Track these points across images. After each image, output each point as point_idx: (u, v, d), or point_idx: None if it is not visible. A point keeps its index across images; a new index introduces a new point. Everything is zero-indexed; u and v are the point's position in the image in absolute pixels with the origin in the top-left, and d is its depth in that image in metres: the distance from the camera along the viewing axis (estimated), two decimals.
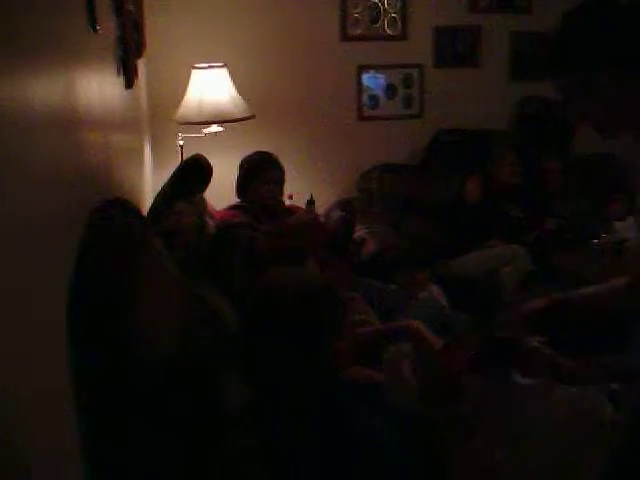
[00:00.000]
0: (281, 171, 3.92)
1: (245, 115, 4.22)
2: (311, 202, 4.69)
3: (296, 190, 4.35)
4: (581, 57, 1.64)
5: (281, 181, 3.93)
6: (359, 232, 4.41)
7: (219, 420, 1.69)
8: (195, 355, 1.68)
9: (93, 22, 1.91)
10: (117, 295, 1.51)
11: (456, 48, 5.24)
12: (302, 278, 2.13)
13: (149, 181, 3.97)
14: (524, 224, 4.74)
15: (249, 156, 3.95)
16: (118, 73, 2.59)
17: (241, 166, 3.93)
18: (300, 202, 4.42)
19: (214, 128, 4.21)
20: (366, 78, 5.13)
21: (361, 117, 5.18)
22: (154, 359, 1.54)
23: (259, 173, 3.84)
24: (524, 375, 1.96)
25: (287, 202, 4.17)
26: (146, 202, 3.34)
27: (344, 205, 4.53)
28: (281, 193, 3.99)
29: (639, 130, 1.70)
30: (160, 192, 2.98)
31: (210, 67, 4.20)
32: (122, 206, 1.90)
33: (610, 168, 5.29)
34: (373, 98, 5.17)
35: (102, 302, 1.46)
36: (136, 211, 2.06)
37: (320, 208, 4.75)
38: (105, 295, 1.48)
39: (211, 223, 3.40)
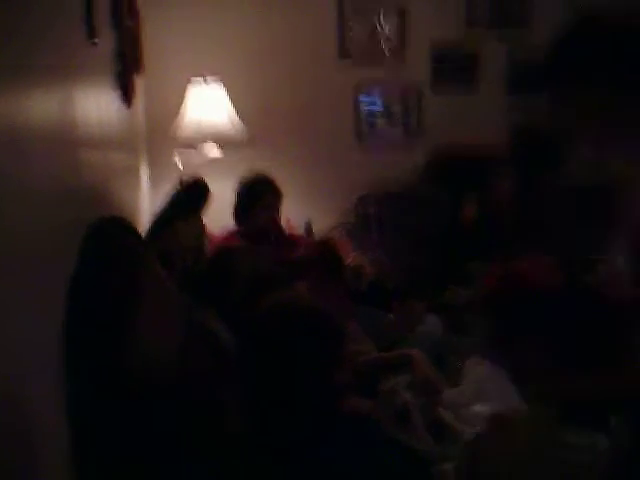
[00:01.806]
0: (279, 196, 3.86)
1: (244, 136, 4.16)
2: (308, 228, 4.63)
3: (293, 213, 4.29)
4: (574, 74, 1.65)
5: (278, 205, 3.87)
6: (356, 259, 4.35)
7: (219, 439, 1.63)
8: (194, 375, 1.63)
9: (91, 35, 1.86)
10: (115, 314, 1.46)
11: (455, 66, 5.18)
12: (306, 304, 2.06)
13: (146, 200, 3.89)
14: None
15: (247, 181, 3.89)
16: (116, 88, 2.53)
17: (238, 191, 3.86)
18: (297, 226, 4.36)
19: (211, 150, 4.14)
20: (363, 99, 5.07)
21: (358, 138, 5.11)
22: (152, 378, 1.50)
23: (257, 199, 3.78)
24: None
25: (285, 226, 4.11)
26: (142, 220, 3.27)
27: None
28: (279, 218, 3.93)
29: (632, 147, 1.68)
30: (158, 212, 2.93)
31: (207, 85, 4.17)
32: (120, 224, 1.84)
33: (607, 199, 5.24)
34: (371, 120, 5.12)
35: (100, 320, 1.43)
36: (134, 229, 2.00)
37: (317, 232, 4.70)
38: (103, 313, 1.45)
39: (208, 245, 3.34)
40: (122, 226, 1.85)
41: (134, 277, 1.56)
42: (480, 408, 2.46)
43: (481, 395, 2.58)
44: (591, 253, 4.51)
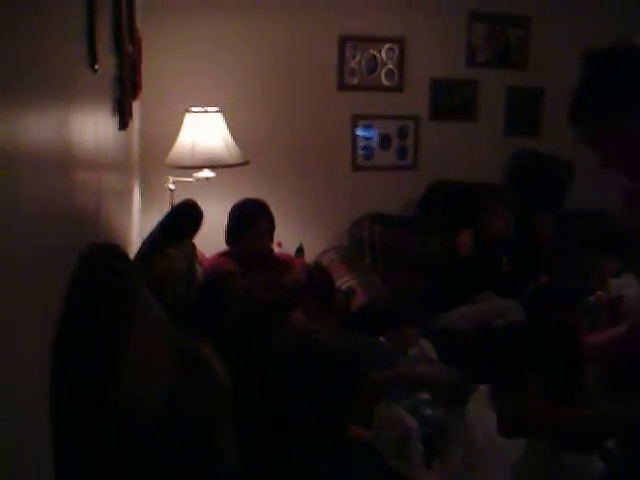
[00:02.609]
0: (271, 220, 3.88)
1: (238, 161, 4.14)
2: (300, 251, 4.65)
3: (286, 237, 4.30)
4: (606, 102, 1.67)
5: (271, 230, 3.88)
6: (348, 283, 4.35)
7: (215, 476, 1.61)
8: (187, 410, 1.61)
9: (93, 61, 1.85)
10: (106, 346, 1.44)
11: (452, 101, 5.25)
12: (332, 342, 2.06)
13: (137, 225, 3.88)
14: (516, 278, 4.69)
15: (239, 204, 3.91)
16: (113, 114, 2.53)
17: (231, 215, 3.89)
18: (289, 249, 4.35)
19: (205, 173, 4.14)
20: (361, 128, 5.10)
21: (355, 167, 5.15)
22: (144, 413, 1.47)
23: (249, 223, 3.80)
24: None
25: (276, 249, 4.11)
26: (133, 246, 3.26)
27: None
28: (271, 242, 3.94)
29: None
30: (149, 237, 2.90)
31: (205, 111, 4.14)
32: (111, 252, 1.83)
33: (604, 223, 5.29)
34: (368, 148, 5.14)
35: (90, 353, 1.39)
36: (125, 257, 1.99)
37: (309, 256, 4.71)
38: (93, 346, 1.41)
39: (200, 270, 3.32)
40: (114, 253, 1.84)
41: (124, 308, 1.55)
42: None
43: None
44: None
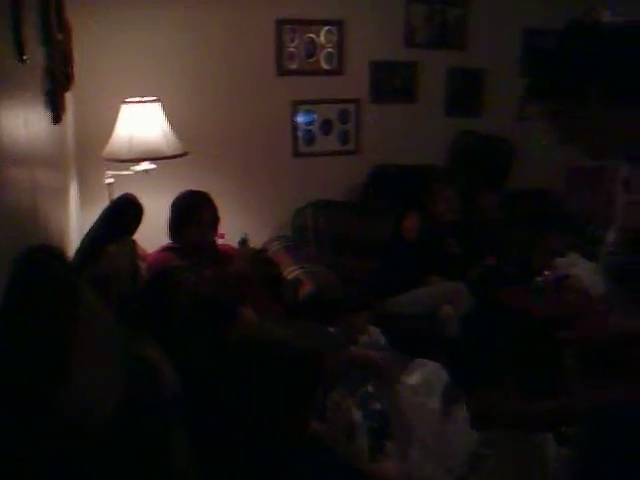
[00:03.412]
0: (214, 212, 3.80)
1: (177, 152, 4.04)
2: (244, 241, 4.57)
3: (229, 228, 4.21)
4: (571, 79, 1.66)
5: (214, 222, 3.80)
6: (294, 272, 4.29)
7: None
8: (134, 418, 1.53)
9: (20, 50, 1.76)
10: (48, 354, 1.36)
11: (393, 83, 5.21)
12: (288, 338, 2.00)
13: (75, 222, 3.76)
14: (464, 260, 4.69)
15: (181, 196, 3.82)
16: (46, 107, 2.42)
17: (173, 207, 3.79)
18: (233, 240, 4.27)
19: (144, 165, 4.02)
20: (302, 113, 5.03)
21: (296, 153, 5.08)
22: (91, 423, 1.41)
23: (192, 215, 3.71)
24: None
25: (219, 242, 4.02)
26: (72, 244, 3.15)
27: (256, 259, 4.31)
28: (215, 234, 3.86)
29: (629, 151, 1.71)
30: (88, 234, 2.80)
31: (141, 102, 4.02)
32: (49, 253, 1.73)
33: (547, 203, 5.33)
34: (309, 134, 5.07)
35: (31, 361, 1.33)
36: (65, 258, 1.90)
37: (254, 247, 4.64)
38: (34, 354, 1.35)
39: (143, 266, 3.23)
40: (52, 255, 1.76)
41: (65, 315, 1.47)
42: (428, 401, 2.51)
43: (428, 390, 2.64)
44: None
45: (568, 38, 1.68)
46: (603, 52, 1.59)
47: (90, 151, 4.16)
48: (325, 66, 4.99)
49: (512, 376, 3.35)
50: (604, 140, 1.67)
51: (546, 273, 4.28)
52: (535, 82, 1.78)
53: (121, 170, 4.05)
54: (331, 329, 3.66)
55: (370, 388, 2.71)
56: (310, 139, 5.09)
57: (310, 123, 5.08)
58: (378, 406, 2.62)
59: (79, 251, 2.71)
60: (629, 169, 1.72)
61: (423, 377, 2.77)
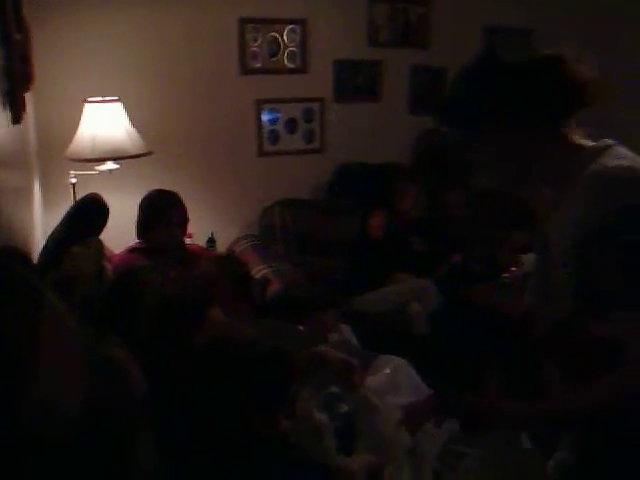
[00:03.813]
0: (184, 212, 3.75)
1: (142, 151, 4.00)
2: (212, 241, 4.56)
3: (196, 227, 4.18)
4: (463, 116, 1.66)
5: (184, 223, 3.76)
6: (262, 271, 4.28)
7: None
8: (101, 421, 1.51)
9: None
10: (9, 358, 1.33)
11: (356, 82, 5.21)
12: (257, 339, 1.99)
13: (39, 223, 3.71)
14: (430, 258, 4.71)
15: (150, 196, 3.76)
16: (4, 107, 2.39)
17: (142, 207, 3.73)
18: (201, 240, 4.24)
19: (108, 165, 3.99)
20: (266, 112, 5.01)
21: (261, 152, 5.07)
22: (54, 428, 1.36)
23: (161, 215, 3.66)
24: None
25: (187, 241, 3.99)
26: (36, 246, 3.11)
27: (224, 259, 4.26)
28: (184, 234, 3.82)
29: (547, 182, 1.72)
30: (52, 235, 2.77)
31: (104, 101, 3.98)
32: (12, 254, 1.71)
33: (510, 200, 5.35)
34: (273, 133, 5.06)
35: None
36: (28, 260, 1.87)
37: (221, 246, 4.62)
38: None
39: (109, 267, 3.19)
40: (16, 256, 1.73)
41: (27, 317, 1.44)
42: (394, 398, 2.51)
43: (394, 386, 2.69)
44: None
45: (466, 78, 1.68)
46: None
47: (53, 151, 4.11)
48: (289, 65, 4.99)
49: (493, 376, 3.37)
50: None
51: (512, 269, 4.31)
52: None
53: (85, 170, 4.01)
54: (300, 327, 3.66)
55: (334, 389, 2.70)
56: (275, 138, 5.08)
57: (274, 122, 5.07)
58: (345, 408, 2.61)
59: (43, 252, 2.67)
60: None
61: (389, 374, 2.77)
